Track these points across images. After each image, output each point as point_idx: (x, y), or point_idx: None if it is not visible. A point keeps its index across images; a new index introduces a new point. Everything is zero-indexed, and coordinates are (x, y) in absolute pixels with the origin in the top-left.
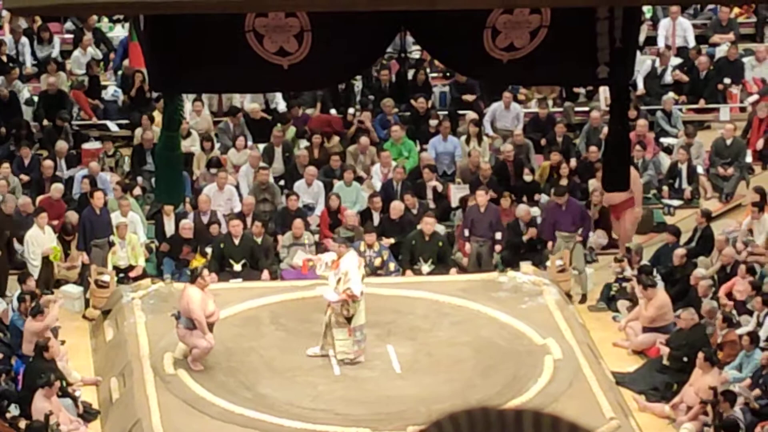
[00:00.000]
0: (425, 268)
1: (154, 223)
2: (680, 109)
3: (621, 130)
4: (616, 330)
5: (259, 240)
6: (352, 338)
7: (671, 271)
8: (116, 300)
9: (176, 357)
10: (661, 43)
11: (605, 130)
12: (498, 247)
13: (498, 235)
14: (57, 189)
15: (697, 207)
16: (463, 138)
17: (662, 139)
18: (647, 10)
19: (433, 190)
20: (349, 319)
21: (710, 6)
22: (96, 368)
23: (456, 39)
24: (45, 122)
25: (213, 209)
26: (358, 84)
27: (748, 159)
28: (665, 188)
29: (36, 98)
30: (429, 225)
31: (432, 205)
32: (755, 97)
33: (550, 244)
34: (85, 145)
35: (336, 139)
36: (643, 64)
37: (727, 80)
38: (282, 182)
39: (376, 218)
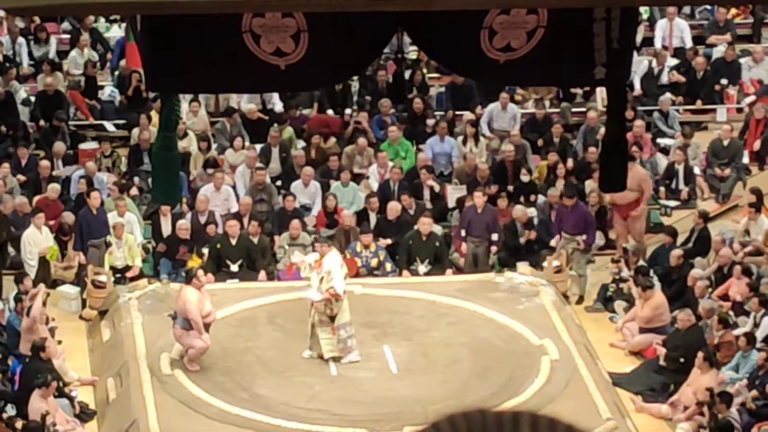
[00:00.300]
0: (422, 268)
1: (151, 223)
2: (677, 110)
3: (618, 130)
4: (612, 331)
5: (255, 240)
6: (336, 337)
7: (668, 272)
8: (113, 300)
9: (173, 357)
10: (658, 44)
11: (602, 130)
12: (494, 248)
13: (494, 236)
14: (54, 189)
15: (694, 208)
16: (460, 138)
17: (659, 140)
18: (644, 10)
19: (430, 190)
20: (332, 318)
21: (707, 7)
22: (93, 368)
23: (453, 39)
24: (42, 122)
25: (210, 209)
26: (355, 84)
27: (745, 160)
28: (662, 189)
29: (33, 98)
30: (426, 225)
31: (429, 206)
32: (752, 98)
33: (555, 240)
34: (82, 146)
35: (333, 139)
36: (640, 64)
37: (724, 81)
38: (279, 182)
39: (373, 219)
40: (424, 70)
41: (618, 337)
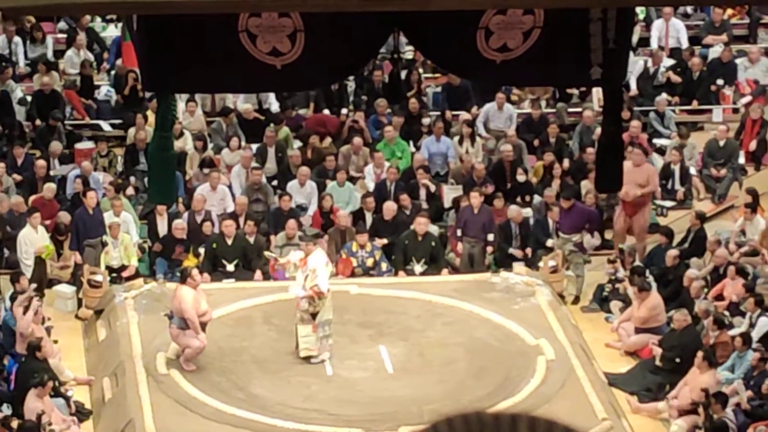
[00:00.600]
0: (418, 268)
1: (147, 223)
2: (673, 111)
3: (614, 130)
4: (608, 331)
5: (251, 240)
6: (316, 335)
7: (664, 272)
8: (109, 300)
9: (169, 357)
10: (654, 44)
11: (598, 130)
12: (490, 248)
13: (490, 236)
14: (50, 189)
15: (690, 208)
16: (456, 139)
17: (655, 140)
18: (640, 11)
19: (426, 190)
20: (314, 316)
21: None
22: (88, 368)
23: (449, 40)
24: (38, 122)
25: (206, 209)
26: (351, 84)
27: (741, 160)
28: (658, 189)
29: (29, 98)
30: (422, 225)
31: (425, 206)
32: (748, 98)
33: (551, 241)
34: (78, 145)
35: (328, 139)
36: (636, 64)
37: (720, 81)
38: (275, 182)
39: (369, 219)
40: (420, 70)
41: (614, 338)
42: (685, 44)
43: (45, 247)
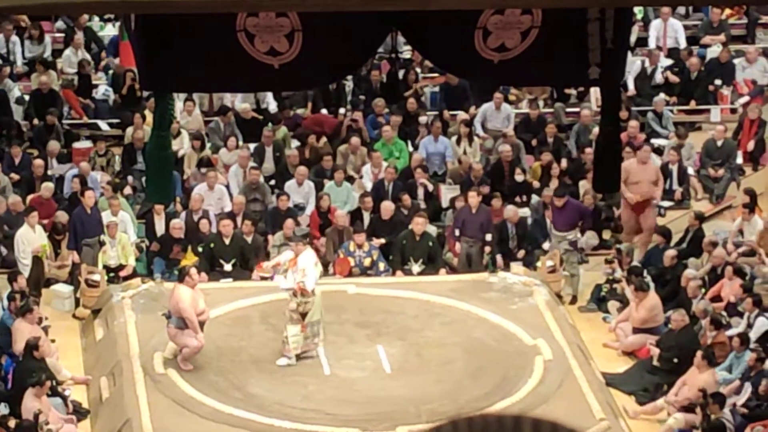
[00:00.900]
0: (415, 268)
1: (145, 222)
2: (671, 111)
3: (612, 131)
4: (606, 331)
5: (249, 239)
6: (304, 334)
7: (662, 273)
8: (106, 299)
9: (166, 356)
10: (652, 44)
11: (596, 130)
12: (488, 248)
13: (488, 236)
14: (47, 188)
15: (688, 208)
16: (454, 138)
17: (653, 140)
18: (638, 11)
19: (423, 189)
20: (303, 316)
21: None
22: (86, 367)
23: (447, 39)
24: (36, 121)
25: (204, 208)
26: (349, 84)
27: (739, 160)
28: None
29: (27, 97)
30: (419, 225)
31: (423, 205)
32: (746, 98)
33: (547, 244)
34: (76, 144)
35: (324, 138)
36: (633, 64)
37: (718, 81)
38: (272, 182)
39: (367, 218)
40: (418, 70)
41: (611, 338)
42: (683, 44)
43: (42, 247)
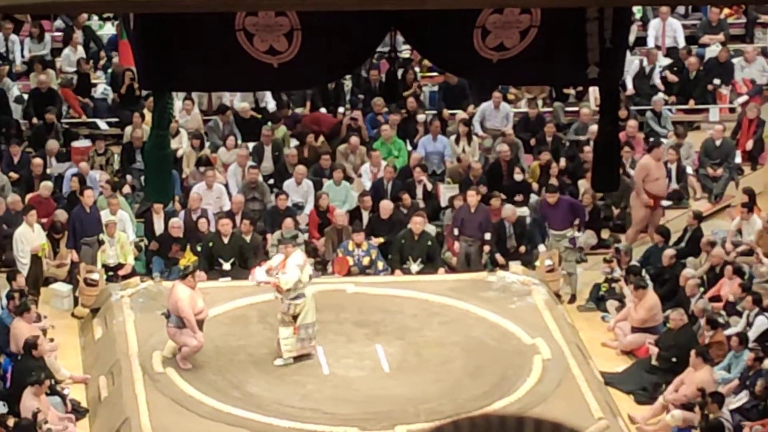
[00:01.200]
0: (414, 267)
1: (144, 221)
2: (670, 110)
3: (611, 130)
4: (605, 330)
5: (248, 239)
6: (297, 336)
7: (660, 272)
8: (105, 298)
9: (165, 355)
10: (651, 44)
11: (593, 127)
12: (487, 248)
13: (487, 235)
14: (46, 187)
15: (687, 207)
16: (453, 137)
17: (652, 140)
18: (637, 10)
19: (422, 189)
20: (295, 318)
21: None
22: (84, 366)
23: (446, 39)
24: (35, 120)
25: (202, 208)
26: (348, 83)
27: (738, 160)
28: None
29: (26, 96)
30: (418, 224)
31: (422, 205)
32: (745, 97)
33: (542, 246)
34: (75, 143)
35: (321, 137)
36: (631, 64)
37: (716, 81)
38: (271, 181)
39: (366, 217)
40: (417, 69)
41: (610, 337)
42: (682, 43)
43: (41, 246)
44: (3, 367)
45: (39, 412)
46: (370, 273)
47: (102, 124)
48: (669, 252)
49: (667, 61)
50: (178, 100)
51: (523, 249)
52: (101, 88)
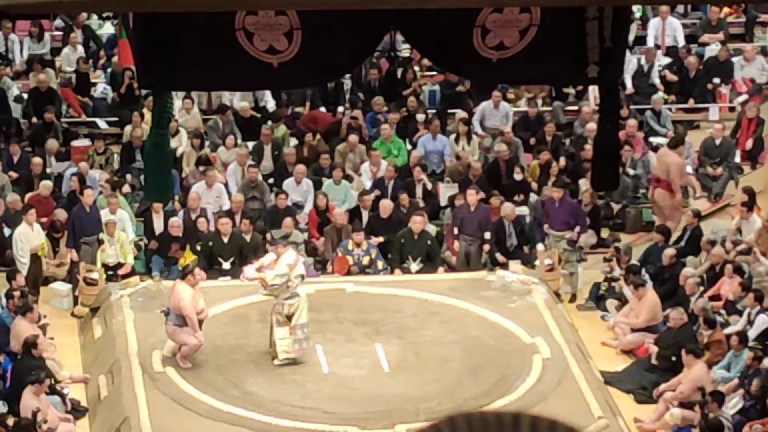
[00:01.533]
0: (414, 266)
1: (143, 220)
2: (669, 109)
3: (611, 129)
4: (604, 329)
5: (247, 238)
6: (293, 337)
7: (660, 271)
8: (105, 297)
9: (165, 354)
10: (650, 43)
11: (591, 125)
12: (486, 247)
13: (487, 235)
14: (46, 186)
15: (686, 206)
16: (452, 137)
17: (651, 139)
18: (637, 9)
19: (422, 188)
20: (289, 318)
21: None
22: (84, 366)
23: (445, 38)
24: (34, 119)
25: (202, 207)
26: (347, 82)
27: (737, 159)
28: None
29: (25, 95)
30: (418, 224)
31: (421, 204)
32: (744, 96)
33: (540, 246)
34: (75, 143)
35: (318, 136)
36: (630, 63)
37: (716, 80)
38: (271, 180)
39: (365, 217)
40: (416, 68)
41: (610, 336)
42: (681, 43)
43: (41, 245)
44: (3, 366)
45: (39, 411)
46: (369, 272)
47: (101, 123)
48: (669, 251)
49: (667, 60)
50: (177, 100)
51: (526, 249)
52: (101, 87)
